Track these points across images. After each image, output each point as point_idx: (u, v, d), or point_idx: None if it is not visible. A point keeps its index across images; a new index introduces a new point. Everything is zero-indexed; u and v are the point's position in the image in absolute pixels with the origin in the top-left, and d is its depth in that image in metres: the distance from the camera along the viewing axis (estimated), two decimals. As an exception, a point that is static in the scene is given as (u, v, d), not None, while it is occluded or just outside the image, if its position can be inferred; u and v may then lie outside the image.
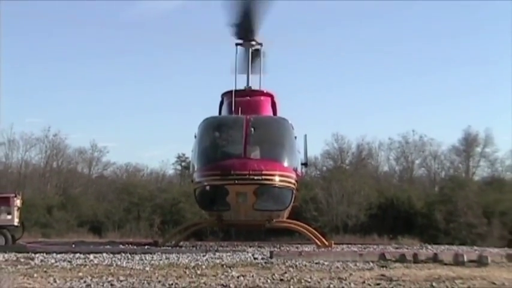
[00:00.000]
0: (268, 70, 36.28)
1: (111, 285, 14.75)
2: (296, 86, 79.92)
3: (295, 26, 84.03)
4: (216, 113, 34.04)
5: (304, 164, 33.94)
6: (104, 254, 23.32)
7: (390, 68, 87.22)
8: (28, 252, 23.76)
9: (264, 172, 28.47)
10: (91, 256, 22.38)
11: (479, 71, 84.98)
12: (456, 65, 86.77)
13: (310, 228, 32.51)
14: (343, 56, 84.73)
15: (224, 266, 19.56)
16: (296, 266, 19.76)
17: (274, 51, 35.33)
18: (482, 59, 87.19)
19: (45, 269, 18.24)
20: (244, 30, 33.13)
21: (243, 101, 32.09)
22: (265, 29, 33.81)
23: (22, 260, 21.06)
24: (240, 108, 31.34)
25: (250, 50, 33.96)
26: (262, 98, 33.76)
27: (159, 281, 15.37)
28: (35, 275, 16.61)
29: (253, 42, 33.82)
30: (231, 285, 14.69)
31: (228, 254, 24.51)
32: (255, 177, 28.33)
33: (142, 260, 21.45)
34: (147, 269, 18.66)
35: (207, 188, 29.64)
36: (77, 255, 22.81)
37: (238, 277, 16.37)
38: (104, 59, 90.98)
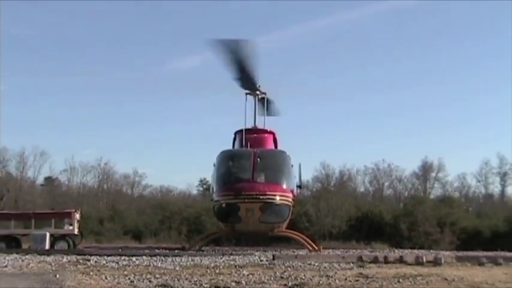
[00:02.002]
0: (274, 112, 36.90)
1: (149, 281, 14.72)
2: (293, 125, 79.87)
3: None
4: (230, 147, 34.06)
5: (299, 186, 33.85)
6: (144, 257, 23.19)
7: (365, 110, 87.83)
8: (85, 255, 23.68)
9: (267, 193, 28.44)
10: (133, 258, 22.28)
11: (434, 113, 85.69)
12: (415, 109, 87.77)
13: (304, 236, 32.38)
14: (328, 101, 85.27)
15: (237, 266, 19.46)
16: (293, 266, 19.64)
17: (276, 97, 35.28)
18: (436, 103, 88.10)
19: (98, 268, 18.16)
20: (247, 85, 33.20)
21: (251, 137, 32.17)
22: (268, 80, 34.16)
23: (81, 261, 20.98)
24: (248, 143, 31.42)
25: (256, 98, 34.07)
26: (266, 135, 33.79)
27: (187, 278, 15.34)
28: (91, 273, 16.58)
29: (258, 92, 33.87)
30: (242, 282, 14.65)
31: (240, 256, 24.38)
32: (261, 197, 28.29)
33: (173, 261, 21.34)
34: (177, 268, 18.59)
35: (223, 205, 29.54)
36: (123, 257, 22.71)
37: (248, 275, 16.32)
38: (143, 104, 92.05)
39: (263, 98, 34.29)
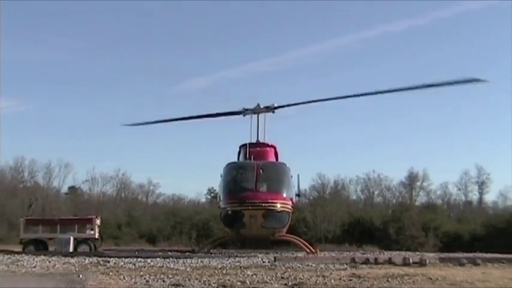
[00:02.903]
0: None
1: (163, 281, 14.72)
2: (293, 139, 79.80)
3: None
4: (235, 159, 34.05)
5: (297, 195, 33.84)
6: (157, 259, 23.20)
7: (358, 127, 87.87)
8: (105, 257, 23.68)
9: (269, 201, 28.39)
10: (148, 260, 22.28)
11: (419, 129, 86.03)
12: (403, 126, 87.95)
13: (302, 240, 32.31)
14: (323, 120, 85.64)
15: (242, 268, 19.44)
16: (292, 267, 19.62)
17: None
18: (422, 121, 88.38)
19: (117, 269, 18.18)
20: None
21: (255, 151, 32.16)
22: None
23: (101, 262, 21.00)
24: (252, 156, 31.39)
25: (259, 116, 34.06)
26: (267, 148, 33.75)
27: (196, 278, 15.33)
28: (110, 273, 16.61)
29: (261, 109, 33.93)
30: (247, 281, 14.64)
31: (244, 258, 24.35)
32: (263, 205, 28.25)
33: (184, 263, 21.33)
34: (188, 269, 18.58)
35: (229, 212, 29.48)
36: (139, 259, 22.68)
37: (252, 275, 16.29)
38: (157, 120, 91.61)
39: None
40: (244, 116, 34.16)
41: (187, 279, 15.10)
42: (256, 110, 33.94)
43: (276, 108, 34.13)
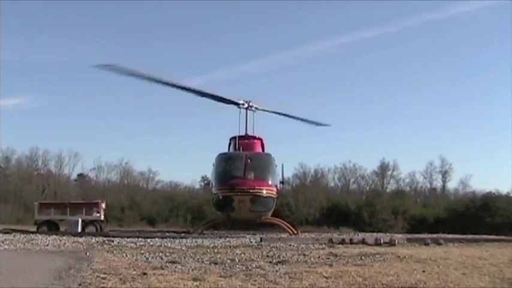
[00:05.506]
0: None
1: (161, 258, 14.67)
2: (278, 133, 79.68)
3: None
4: (226, 150, 33.95)
5: (282, 182, 33.74)
6: (156, 239, 23.12)
7: (336, 123, 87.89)
8: (110, 237, 23.60)
9: (256, 187, 28.40)
10: (148, 240, 22.21)
11: (390, 126, 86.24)
12: (377, 122, 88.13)
13: (285, 222, 32.31)
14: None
15: (231, 247, 19.43)
16: (277, 247, 19.64)
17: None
18: (393, 117, 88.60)
19: (120, 248, 18.12)
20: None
21: (243, 142, 32.06)
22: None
23: (106, 242, 20.90)
24: (241, 147, 31.31)
25: (248, 112, 33.95)
26: (255, 140, 33.63)
27: (191, 256, 15.31)
28: (114, 252, 16.54)
29: (243, 105, 33.69)
30: (236, 259, 14.61)
31: (234, 239, 24.33)
32: (251, 191, 28.25)
33: (180, 242, 21.25)
34: (183, 248, 18.55)
35: (221, 197, 29.47)
36: (140, 239, 22.59)
37: (240, 254, 16.29)
38: (156, 116, 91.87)
39: (253, 112, 34.14)
40: (240, 108, 33.68)
41: (182, 257, 15.08)
42: (245, 106, 33.85)
43: (257, 109, 34.03)
